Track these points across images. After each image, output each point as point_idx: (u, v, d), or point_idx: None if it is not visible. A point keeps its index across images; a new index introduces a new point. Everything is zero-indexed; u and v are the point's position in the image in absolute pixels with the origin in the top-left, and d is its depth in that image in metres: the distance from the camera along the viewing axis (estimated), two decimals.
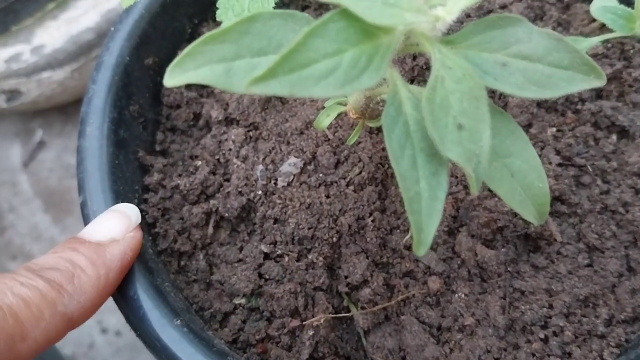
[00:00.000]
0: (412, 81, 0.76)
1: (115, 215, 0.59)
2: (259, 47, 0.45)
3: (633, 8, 0.74)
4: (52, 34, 1.22)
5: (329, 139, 0.73)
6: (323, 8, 0.83)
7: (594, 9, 0.74)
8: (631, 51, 0.75)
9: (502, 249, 0.67)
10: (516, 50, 0.49)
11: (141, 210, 0.69)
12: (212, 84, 0.44)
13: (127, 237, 0.58)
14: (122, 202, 0.65)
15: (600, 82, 0.50)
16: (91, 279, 0.53)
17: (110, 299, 0.61)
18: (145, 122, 0.76)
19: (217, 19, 0.68)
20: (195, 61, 0.44)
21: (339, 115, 0.67)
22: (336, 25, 0.43)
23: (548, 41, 0.49)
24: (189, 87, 0.80)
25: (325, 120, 0.65)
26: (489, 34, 0.49)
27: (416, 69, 0.76)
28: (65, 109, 1.51)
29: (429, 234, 0.46)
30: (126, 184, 0.68)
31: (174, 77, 0.44)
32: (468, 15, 0.77)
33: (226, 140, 0.74)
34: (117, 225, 0.59)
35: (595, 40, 0.75)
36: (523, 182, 0.52)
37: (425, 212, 0.46)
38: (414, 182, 0.46)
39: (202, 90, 0.81)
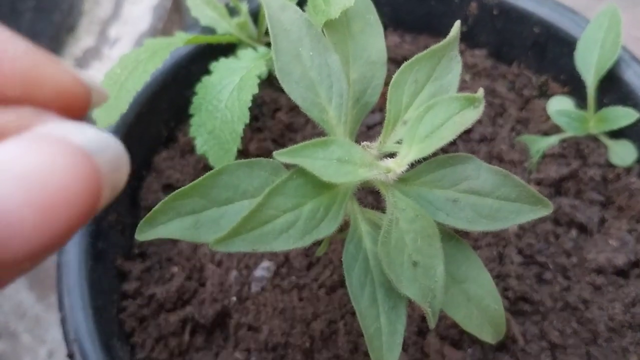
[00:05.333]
0: None
1: None
2: (226, 197, 0.48)
3: (587, 108, 0.79)
4: None
5: None
6: (294, 112, 0.86)
7: (551, 111, 0.79)
8: (586, 150, 0.79)
9: (469, 349, 0.70)
10: (466, 187, 0.52)
11: (119, 320, 0.72)
12: (181, 237, 0.47)
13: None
14: (102, 317, 0.67)
15: (547, 211, 0.53)
16: None
17: None
18: (123, 228, 0.78)
19: (191, 136, 0.71)
20: (166, 215, 0.47)
21: None
22: (295, 182, 0.46)
23: (496, 177, 0.52)
24: (166, 191, 0.83)
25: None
26: (440, 172, 0.52)
27: None
28: None
29: None
30: (105, 296, 0.71)
31: (144, 233, 0.47)
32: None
33: (201, 244, 0.77)
34: None
35: (553, 139, 0.79)
36: (479, 306, 0.55)
37: (387, 346, 0.49)
38: (374, 319, 0.49)
39: None
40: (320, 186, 0.47)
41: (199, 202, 0.47)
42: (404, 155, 0.47)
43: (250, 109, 0.70)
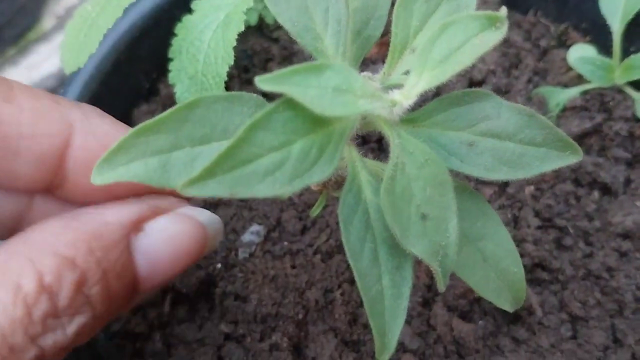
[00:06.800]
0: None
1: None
2: (201, 135, 0.41)
3: (611, 57, 0.71)
4: None
5: (294, 203, 0.69)
6: (287, 62, 0.79)
7: (572, 59, 0.71)
8: (611, 103, 0.72)
9: (480, 322, 0.63)
10: (484, 128, 0.45)
11: None
12: (145, 181, 0.39)
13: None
14: None
15: (577, 158, 0.46)
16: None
17: None
18: None
19: (170, 82, 0.64)
20: (127, 155, 0.39)
21: None
22: (282, 116, 0.38)
23: (519, 117, 0.44)
24: None
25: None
26: (454, 111, 0.45)
27: None
28: None
29: (393, 338, 0.42)
30: None
31: (102, 174, 0.39)
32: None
33: None
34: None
35: (574, 91, 0.71)
36: (497, 268, 0.48)
37: (389, 312, 0.42)
38: (375, 280, 0.42)
39: None
40: (313, 122, 0.39)
41: (168, 139, 0.40)
42: (413, 85, 0.40)
43: (238, 57, 0.63)
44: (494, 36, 0.39)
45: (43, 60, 1.19)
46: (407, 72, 0.43)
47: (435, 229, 0.42)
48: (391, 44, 0.44)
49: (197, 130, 0.41)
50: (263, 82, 0.37)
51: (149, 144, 0.40)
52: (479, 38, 0.39)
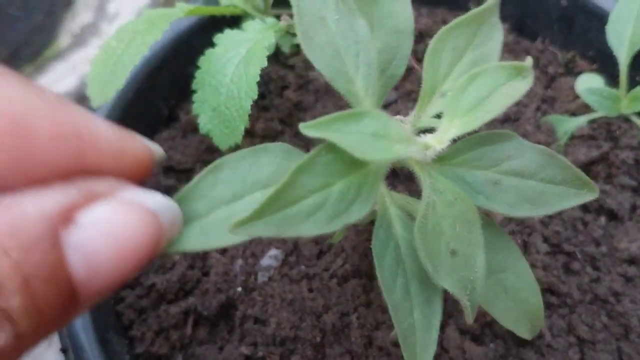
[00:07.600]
0: None
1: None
2: (233, 193, 0.42)
3: (618, 86, 0.74)
4: None
5: None
6: (303, 89, 0.81)
7: (580, 89, 0.74)
8: (617, 132, 0.74)
9: (491, 345, 0.65)
10: (508, 167, 0.47)
11: (117, 312, 0.66)
12: (191, 249, 0.41)
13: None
14: (97, 309, 0.62)
15: (593, 196, 0.48)
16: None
17: None
18: None
19: (194, 113, 0.66)
20: None
21: None
22: (323, 159, 0.41)
23: (540, 157, 0.47)
24: (167, 174, 0.77)
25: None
26: (479, 151, 0.47)
27: None
28: None
29: None
30: None
31: None
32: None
33: None
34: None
35: (582, 120, 0.74)
36: (517, 298, 0.50)
37: (421, 344, 0.44)
38: (407, 313, 0.44)
39: (182, 177, 0.78)
40: (350, 164, 0.41)
41: (202, 204, 0.41)
42: (445, 130, 0.42)
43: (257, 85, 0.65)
44: (522, 86, 0.42)
45: (59, 79, 1.20)
46: (436, 115, 0.46)
47: (464, 265, 0.44)
48: (422, 90, 0.46)
49: (228, 189, 0.41)
50: (306, 128, 0.39)
51: (185, 213, 0.41)
52: (507, 87, 0.42)
